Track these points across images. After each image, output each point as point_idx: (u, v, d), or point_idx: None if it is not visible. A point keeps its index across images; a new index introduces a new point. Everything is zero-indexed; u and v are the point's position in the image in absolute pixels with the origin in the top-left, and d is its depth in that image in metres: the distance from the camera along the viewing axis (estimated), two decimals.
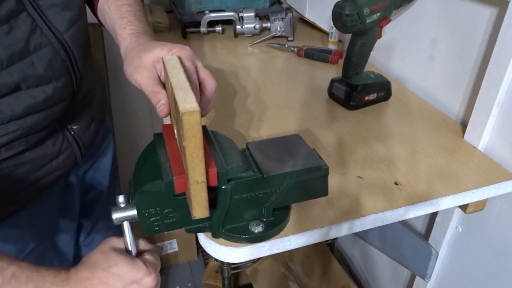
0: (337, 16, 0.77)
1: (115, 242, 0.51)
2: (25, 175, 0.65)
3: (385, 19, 0.82)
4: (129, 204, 0.49)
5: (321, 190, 0.55)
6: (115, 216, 0.48)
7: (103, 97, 0.87)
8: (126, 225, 0.50)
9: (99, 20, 0.76)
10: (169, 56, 0.51)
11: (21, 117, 0.59)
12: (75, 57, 0.65)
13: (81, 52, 0.66)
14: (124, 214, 0.49)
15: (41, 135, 0.65)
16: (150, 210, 0.48)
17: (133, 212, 0.48)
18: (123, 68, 0.58)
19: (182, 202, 0.49)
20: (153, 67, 0.54)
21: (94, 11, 0.75)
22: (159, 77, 0.54)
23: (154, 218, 0.49)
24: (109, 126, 0.94)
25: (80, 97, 0.72)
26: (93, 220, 0.91)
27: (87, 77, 0.73)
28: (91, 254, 0.49)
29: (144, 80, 0.53)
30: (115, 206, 0.49)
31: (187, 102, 0.41)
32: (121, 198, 0.49)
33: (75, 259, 0.91)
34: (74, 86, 0.66)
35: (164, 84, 0.54)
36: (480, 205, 0.72)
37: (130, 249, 0.50)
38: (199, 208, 0.46)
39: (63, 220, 0.80)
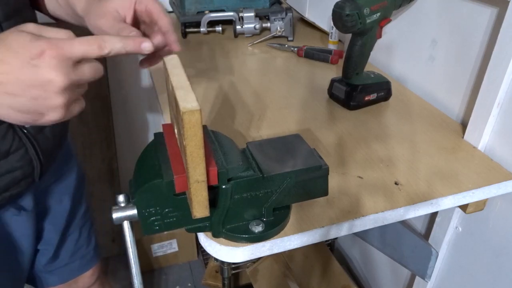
0: (337, 16, 0.77)
1: (28, 26, 0.42)
2: None
3: (385, 19, 0.82)
4: (129, 203, 0.49)
5: (321, 190, 0.55)
6: (115, 215, 0.48)
7: None
8: (126, 225, 0.50)
9: (46, 12, 0.70)
10: (169, 56, 0.51)
11: None
12: None
13: (3, 12, 0.58)
14: (124, 213, 0.49)
15: None
16: (151, 209, 0.48)
17: (133, 211, 0.48)
18: (86, 23, 0.58)
19: (182, 201, 0.49)
20: (117, 12, 0.54)
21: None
22: (123, 17, 0.55)
23: (154, 218, 0.49)
24: (69, 143, 0.85)
25: None
26: (53, 246, 0.84)
27: None
28: None
29: (110, 22, 0.54)
30: (115, 205, 0.49)
31: (188, 101, 0.41)
32: (121, 198, 0.49)
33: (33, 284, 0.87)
34: None
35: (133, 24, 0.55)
36: (480, 205, 0.72)
37: (130, 249, 0.50)
38: (200, 208, 0.46)
39: (15, 247, 0.73)
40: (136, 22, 0.57)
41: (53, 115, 0.42)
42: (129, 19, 0.56)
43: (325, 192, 0.55)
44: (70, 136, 0.84)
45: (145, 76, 1.61)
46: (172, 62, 0.50)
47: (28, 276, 0.81)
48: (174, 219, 0.50)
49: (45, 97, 0.40)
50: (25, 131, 0.65)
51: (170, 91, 0.48)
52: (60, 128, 0.76)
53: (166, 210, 0.49)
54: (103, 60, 1.50)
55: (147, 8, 0.55)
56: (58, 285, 0.90)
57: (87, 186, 0.92)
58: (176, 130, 0.51)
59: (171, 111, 0.53)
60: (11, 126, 0.63)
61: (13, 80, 0.39)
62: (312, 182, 0.53)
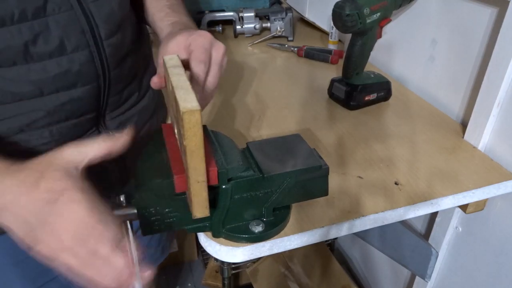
0: (337, 16, 0.77)
1: (62, 159, 0.43)
2: None
3: (385, 19, 0.82)
4: (129, 203, 0.49)
5: (321, 190, 0.55)
6: (115, 214, 0.48)
7: (159, 110, 0.79)
8: (126, 225, 0.50)
9: (147, 22, 0.73)
10: (169, 56, 0.51)
11: (35, 95, 0.55)
12: (100, 32, 0.58)
13: (108, 29, 0.59)
14: (124, 213, 0.49)
15: (70, 131, 0.60)
16: (150, 209, 0.48)
17: (133, 211, 0.48)
18: None
19: (182, 201, 0.49)
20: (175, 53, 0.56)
21: (143, 12, 0.72)
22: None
23: (154, 218, 0.49)
24: None
25: (117, 91, 0.65)
26: None
27: (125, 67, 0.66)
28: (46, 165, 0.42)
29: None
30: (115, 205, 0.49)
31: (188, 101, 0.41)
32: (121, 198, 0.49)
33: None
34: (98, 66, 0.59)
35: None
36: (480, 205, 0.72)
37: (132, 247, 0.50)
38: (200, 208, 0.46)
39: None
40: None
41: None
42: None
43: (325, 192, 0.55)
44: None
45: None
46: (172, 62, 0.50)
47: None
48: (174, 219, 0.50)
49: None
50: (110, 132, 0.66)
51: (170, 91, 0.48)
52: (142, 126, 0.75)
53: (166, 210, 0.49)
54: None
55: (191, 55, 0.54)
56: None
57: None
58: (176, 130, 0.51)
59: (171, 111, 0.53)
60: (99, 134, 0.65)
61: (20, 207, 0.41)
62: (312, 182, 0.53)
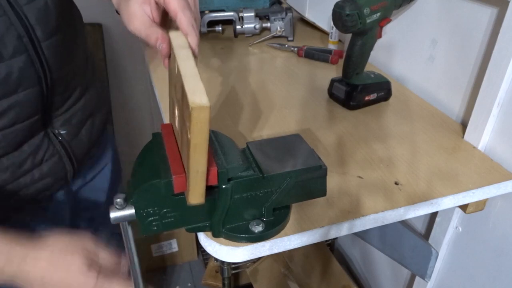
0: (337, 16, 0.77)
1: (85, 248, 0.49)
2: (1, 185, 0.61)
3: (385, 19, 0.82)
4: (127, 203, 0.49)
5: (320, 190, 0.55)
6: (113, 215, 0.48)
7: (102, 104, 0.80)
8: (125, 225, 0.50)
9: None
10: (175, 32, 0.49)
11: None
12: (36, 35, 0.58)
13: (45, 31, 0.59)
14: (122, 213, 0.48)
15: (17, 136, 0.60)
16: (149, 209, 0.48)
17: (131, 211, 0.48)
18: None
19: (181, 201, 0.49)
20: (142, 11, 0.51)
21: None
22: (152, 18, 0.52)
23: (152, 218, 0.49)
24: (109, 138, 0.88)
25: (60, 91, 0.65)
26: None
27: (66, 66, 0.66)
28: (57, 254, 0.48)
29: (137, 28, 0.52)
30: (113, 205, 0.49)
31: (197, 94, 0.39)
32: (119, 198, 0.49)
33: None
34: (38, 69, 0.59)
35: (159, 22, 0.52)
36: (480, 205, 0.72)
37: (130, 249, 0.50)
38: (196, 194, 0.45)
39: None
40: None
41: None
42: (155, 14, 0.52)
43: (323, 193, 0.55)
44: (111, 130, 0.87)
45: (145, 79, 1.61)
46: (178, 42, 0.48)
47: None
48: (173, 219, 0.50)
49: None
50: (60, 138, 0.67)
51: (175, 73, 0.46)
52: (97, 129, 0.77)
53: (165, 210, 0.49)
54: (103, 59, 1.50)
55: (165, 2, 0.50)
56: None
57: (122, 179, 0.94)
58: (177, 113, 0.49)
59: (172, 92, 0.51)
60: (46, 134, 0.65)
61: None
62: (311, 182, 0.53)
